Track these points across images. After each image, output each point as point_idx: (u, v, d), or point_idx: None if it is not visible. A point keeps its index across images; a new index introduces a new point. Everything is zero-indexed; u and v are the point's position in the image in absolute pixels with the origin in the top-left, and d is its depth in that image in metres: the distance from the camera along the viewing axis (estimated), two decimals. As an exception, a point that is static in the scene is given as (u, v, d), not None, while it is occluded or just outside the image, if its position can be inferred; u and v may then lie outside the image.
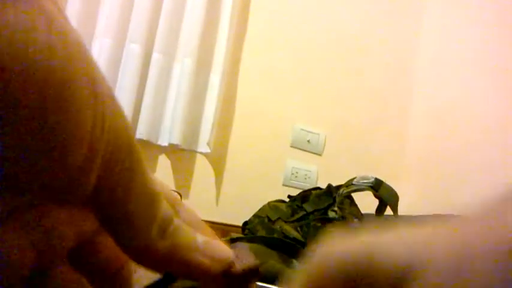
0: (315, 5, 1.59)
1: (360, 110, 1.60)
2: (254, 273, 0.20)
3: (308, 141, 1.54)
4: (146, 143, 1.32)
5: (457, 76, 1.50)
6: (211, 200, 1.45)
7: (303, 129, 1.54)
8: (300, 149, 1.53)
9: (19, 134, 0.12)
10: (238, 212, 1.32)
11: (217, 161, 1.46)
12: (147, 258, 0.17)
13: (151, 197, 0.16)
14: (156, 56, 1.32)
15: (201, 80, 1.38)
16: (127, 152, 0.15)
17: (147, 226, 0.16)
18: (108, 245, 0.19)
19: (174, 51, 1.38)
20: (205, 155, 1.42)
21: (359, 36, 1.64)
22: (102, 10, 1.33)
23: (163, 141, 1.34)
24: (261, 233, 0.94)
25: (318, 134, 1.56)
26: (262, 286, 0.70)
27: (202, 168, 1.44)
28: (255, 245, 0.88)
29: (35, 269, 0.16)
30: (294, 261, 0.87)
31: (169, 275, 0.18)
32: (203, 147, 1.37)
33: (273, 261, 0.80)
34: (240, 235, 1.22)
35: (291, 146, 1.52)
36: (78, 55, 0.13)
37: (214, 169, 1.46)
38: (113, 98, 0.15)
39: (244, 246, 0.20)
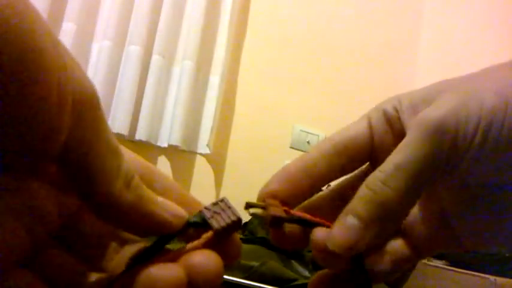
0: (315, 7, 1.59)
1: (360, 112, 1.59)
2: (234, 229, 0.20)
3: (308, 142, 1.54)
4: (146, 144, 1.32)
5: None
6: (211, 201, 1.45)
7: (302, 130, 1.54)
8: (299, 150, 1.53)
9: None
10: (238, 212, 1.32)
11: (217, 162, 1.46)
12: (113, 211, 0.17)
13: (114, 149, 0.17)
14: (155, 58, 1.32)
15: (200, 82, 1.38)
16: (91, 102, 0.16)
17: (112, 177, 0.16)
18: (92, 221, 0.19)
19: (174, 53, 1.38)
20: (205, 156, 1.42)
21: (359, 37, 1.64)
22: (102, 12, 1.33)
23: (163, 143, 1.34)
24: (261, 233, 0.94)
25: (318, 135, 1.56)
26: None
27: (202, 170, 1.44)
28: (254, 246, 0.88)
29: (29, 251, 0.16)
30: (294, 262, 0.87)
31: (157, 242, 0.19)
32: (203, 148, 1.38)
33: (273, 262, 0.80)
34: (240, 236, 1.23)
35: (291, 147, 1.52)
36: (35, 10, 0.14)
37: (214, 170, 1.46)
38: (68, 53, 0.15)
39: (226, 201, 0.21)
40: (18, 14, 0.13)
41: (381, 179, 0.20)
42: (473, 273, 0.85)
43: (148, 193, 0.18)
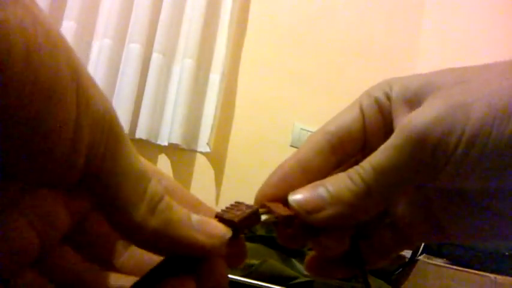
0: (316, 5, 1.59)
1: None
2: (253, 220, 0.20)
3: (308, 140, 1.54)
4: (146, 143, 1.32)
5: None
6: (211, 200, 1.45)
7: (303, 129, 1.54)
8: (299, 148, 1.53)
9: (6, 122, 0.13)
10: (238, 211, 1.32)
11: (217, 160, 1.46)
12: (138, 236, 0.17)
13: (137, 175, 0.16)
14: (156, 56, 1.32)
15: (200, 80, 1.38)
16: (109, 132, 0.16)
17: (134, 202, 0.16)
18: (100, 221, 0.19)
19: (174, 51, 1.38)
20: (205, 154, 1.42)
21: (361, 35, 1.64)
22: (102, 10, 1.33)
23: (163, 141, 1.34)
24: (261, 232, 0.94)
25: (318, 133, 1.56)
26: (249, 282, 0.70)
27: (202, 168, 1.44)
28: (254, 244, 0.88)
29: (38, 252, 0.16)
30: (294, 260, 0.87)
31: (170, 260, 0.18)
32: (203, 146, 1.37)
33: (273, 261, 0.80)
34: (240, 234, 1.23)
35: (291, 146, 1.52)
36: (60, 45, 0.14)
37: (214, 168, 1.46)
38: (91, 80, 0.15)
39: (238, 201, 0.21)
40: (50, 56, 0.13)
41: (359, 174, 0.21)
42: (473, 271, 0.85)
43: (179, 215, 0.18)
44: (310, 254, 0.25)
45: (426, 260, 0.98)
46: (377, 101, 0.24)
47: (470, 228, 0.23)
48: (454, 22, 1.59)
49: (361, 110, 0.24)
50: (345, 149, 0.24)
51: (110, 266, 0.20)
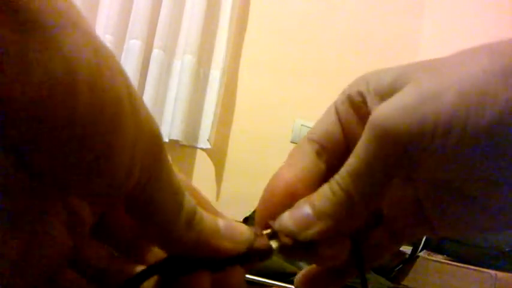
0: (316, 1, 1.58)
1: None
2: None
3: (308, 137, 1.54)
4: (147, 139, 1.32)
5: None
6: (212, 196, 1.45)
7: (303, 125, 1.54)
8: (300, 144, 1.53)
9: (72, 144, 0.13)
10: (239, 207, 1.32)
11: (218, 156, 1.46)
12: (175, 249, 0.18)
13: (176, 190, 0.17)
14: (156, 52, 1.32)
15: (201, 76, 1.38)
16: (157, 154, 0.16)
17: (174, 219, 0.17)
18: (125, 217, 0.19)
19: (175, 47, 1.38)
20: (206, 150, 1.42)
21: (361, 31, 1.63)
22: (102, 6, 1.33)
23: (164, 137, 1.33)
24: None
25: (319, 129, 1.56)
26: (251, 279, 0.71)
27: (202, 164, 1.44)
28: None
29: (72, 251, 0.17)
30: (295, 256, 0.87)
31: (173, 258, 0.19)
32: (203, 143, 1.38)
33: (274, 257, 0.80)
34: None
35: (292, 142, 1.52)
36: (117, 69, 0.14)
37: (215, 165, 1.46)
38: (141, 100, 0.15)
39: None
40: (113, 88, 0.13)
41: (337, 182, 0.20)
42: (473, 267, 0.86)
43: (210, 225, 0.18)
44: (301, 273, 0.25)
45: (426, 256, 0.98)
46: (350, 99, 0.23)
47: (455, 221, 0.22)
48: (454, 18, 1.59)
49: (336, 111, 0.24)
50: (330, 154, 0.23)
51: (139, 259, 0.21)
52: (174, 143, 1.35)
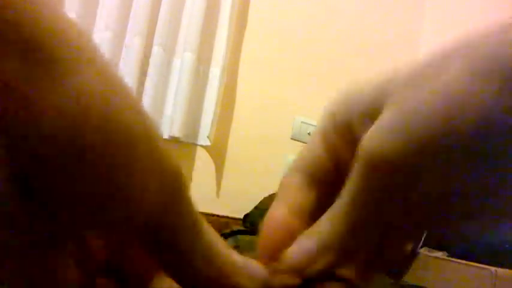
0: (316, -3, 1.58)
1: (361, 103, 1.59)
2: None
3: (309, 133, 1.54)
4: (147, 136, 1.32)
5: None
6: (212, 193, 1.45)
7: (303, 122, 1.54)
8: (300, 141, 1.53)
9: (80, 183, 0.13)
10: (239, 204, 1.32)
11: (218, 153, 1.46)
12: (194, 285, 0.17)
13: (194, 223, 0.17)
14: (156, 50, 1.32)
15: (201, 74, 1.38)
16: (176, 183, 0.16)
17: (192, 255, 0.16)
18: (137, 256, 0.19)
19: (175, 44, 1.37)
20: (206, 147, 1.43)
21: (361, 29, 1.63)
22: (102, 3, 1.33)
23: (164, 134, 1.34)
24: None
25: (319, 126, 1.56)
26: None
27: (202, 161, 1.44)
28: (255, 237, 0.88)
29: (79, 284, 0.16)
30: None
31: None
32: (203, 140, 1.38)
33: None
34: (241, 228, 1.23)
35: (292, 139, 1.52)
36: (134, 105, 0.14)
37: (215, 162, 1.46)
38: (158, 135, 0.15)
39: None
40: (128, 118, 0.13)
41: (334, 213, 0.20)
42: (473, 264, 0.86)
43: (227, 261, 0.18)
44: None
45: (427, 253, 0.98)
46: (334, 124, 0.22)
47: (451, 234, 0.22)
48: (455, 18, 1.58)
49: (323, 138, 0.23)
50: (322, 183, 0.22)
51: None
52: (174, 140, 1.35)
